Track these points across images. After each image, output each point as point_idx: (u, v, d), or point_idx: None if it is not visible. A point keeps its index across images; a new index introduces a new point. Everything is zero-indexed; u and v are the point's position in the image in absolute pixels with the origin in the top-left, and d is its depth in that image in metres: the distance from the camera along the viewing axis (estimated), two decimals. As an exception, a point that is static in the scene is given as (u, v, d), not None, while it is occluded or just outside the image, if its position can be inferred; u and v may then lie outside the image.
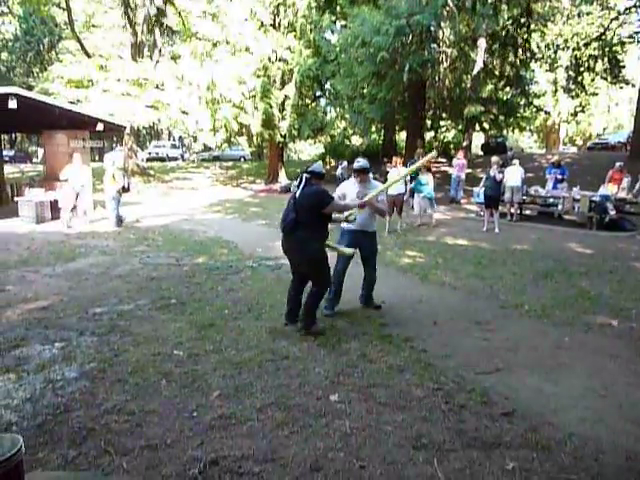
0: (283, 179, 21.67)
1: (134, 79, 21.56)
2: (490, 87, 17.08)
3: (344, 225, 4.96)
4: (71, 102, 19.14)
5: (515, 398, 3.32)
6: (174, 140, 42.80)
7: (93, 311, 5.08)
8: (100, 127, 13.35)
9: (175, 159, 35.85)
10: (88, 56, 23.26)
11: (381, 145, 30.21)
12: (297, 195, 4.31)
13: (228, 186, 22.61)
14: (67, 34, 28.17)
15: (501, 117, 18.22)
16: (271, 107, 18.49)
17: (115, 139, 37.21)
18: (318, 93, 21.61)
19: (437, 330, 4.64)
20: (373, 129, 27.63)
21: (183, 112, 19.55)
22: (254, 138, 19.90)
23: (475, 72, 16.48)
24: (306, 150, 43.68)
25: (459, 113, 17.31)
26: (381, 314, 5.05)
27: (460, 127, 26.69)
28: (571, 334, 4.54)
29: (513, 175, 11.34)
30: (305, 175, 4.34)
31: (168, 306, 5.25)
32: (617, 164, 11.88)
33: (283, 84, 19.29)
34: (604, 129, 44.07)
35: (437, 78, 16.48)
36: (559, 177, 12.28)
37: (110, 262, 7.43)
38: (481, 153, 31.01)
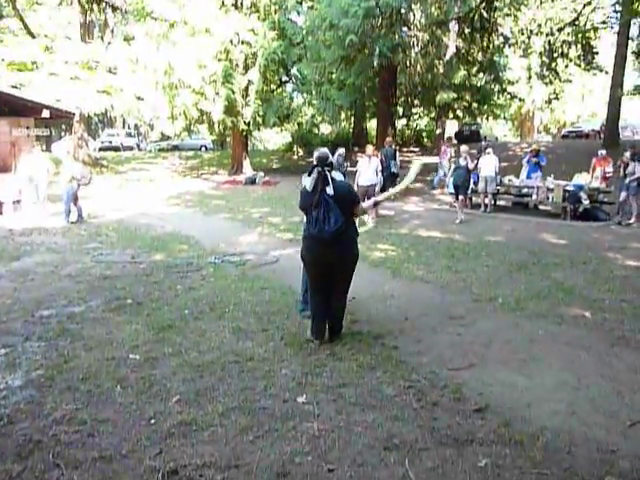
0: (248, 170, 21.50)
1: (83, 62, 20.91)
2: (463, 73, 17.35)
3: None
4: (13, 86, 18.43)
5: (488, 393, 3.41)
6: (129, 128, 41.85)
7: (40, 314, 4.94)
8: (46, 114, 12.93)
9: (130, 149, 35.12)
10: (32, 36, 22.42)
11: (351, 133, 30.34)
12: (331, 193, 3.95)
13: (188, 177, 22.30)
14: (8, 12, 27.06)
15: (474, 104, 18.56)
16: (234, 93, 18.28)
17: (64, 127, 36.10)
18: (284, 78, 21.48)
19: (409, 326, 4.70)
20: (342, 116, 27.64)
21: (138, 98, 19.10)
22: (216, 126, 19.64)
23: (447, 57, 16.69)
24: (272, 139, 43.40)
25: (431, 100, 17.54)
26: (351, 310, 5.07)
27: (433, 115, 27.05)
28: (545, 326, 4.68)
29: (487, 165, 11.58)
30: (326, 168, 4.04)
31: (123, 307, 5.17)
32: (600, 152, 12.18)
33: (246, 68, 19.09)
34: (578, 117, 45.47)
35: (408, 63, 16.64)
36: (534, 160, 12.51)
37: (59, 260, 7.24)
38: (455, 141, 31.54)
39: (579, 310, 5.12)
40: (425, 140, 31.20)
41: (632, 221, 10.16)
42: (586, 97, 41.16)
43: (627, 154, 10.36)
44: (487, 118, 27.76)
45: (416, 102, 19.84)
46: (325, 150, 4.22)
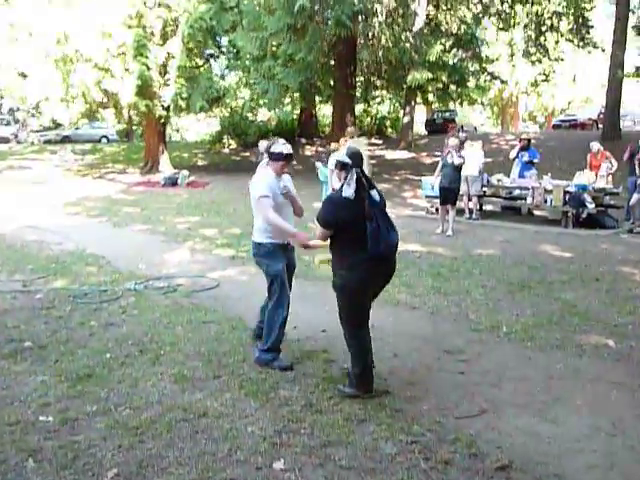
0: (166, 167, 21.20)
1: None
2: (437, 49, 17.93)
3: (270, 240, 4.72)
4: None
5: (509, 446, 3.48)
6: (2, 114, 40.47)
7: None
8: None
9: (5, 141, 33.93)
10: None
11: (297, 121, 30.56)
12: (377, 198, 4.11)
13: (88, 177, 21.75)
14: None
15: (452, 86, 19.19)
16: (149, 69, 18.06)
17: None
18: (213, 51, 21.42)
19: (399, 364, 4.75)
20: (287, 100, 27.84)
21: (21, 74, 18.49)
22: (125, 111, 19.31)
23: (417, 28, 17.20)
24: (192, 127, 43.07)
25: (399, 80, 17.98)
26: (324, 347, 5.09)
27: (397, 99, 27.68)
28: (563, 360, 4.85)
29: (470, 161, 11.90)
30: (360, 170, 4.07)
31: (21, 352, 4.96)
32: (594, 145, 12.76)
33: (165, 38, 18.93)
34: (569, 103, 47.95)
35: (371, 35, 17.00)
36: (525, 158, 12.95)
37: None
38: (424, 132, 32.46)
39: (600, 338, 5.33)
40: (389, 130, 31.87)
41: (645, 228, 10.70)
42: (578, 79, 43.35)
43: None
44: (461, 103, 28.67)
45: (380, 83, 20.27)
46: (356, 147, 4.33)
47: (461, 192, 12.09)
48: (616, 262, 8.54)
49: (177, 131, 45.53)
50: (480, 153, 12.25)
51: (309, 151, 27.75)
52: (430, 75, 16.64)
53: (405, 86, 17.41)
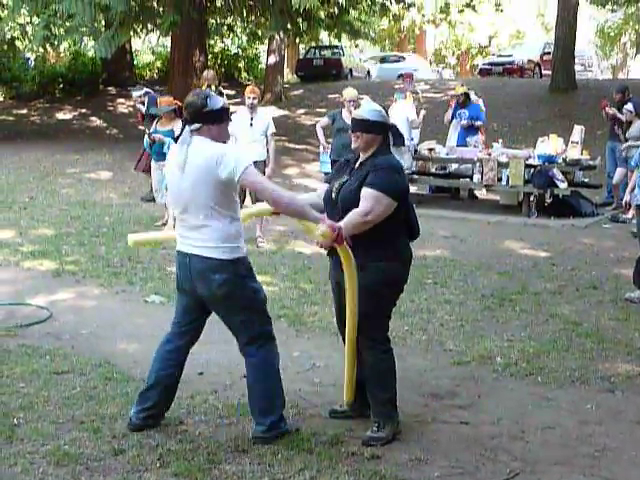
0: None
1: None
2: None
3: (244, 251, 4.70)
4: None
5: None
6: None
7: None
8: None
9: None
10: None
11: (102, 61, 29.64)
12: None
13: None
14: None
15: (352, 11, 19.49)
16: None
17: None
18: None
19: (374, 416, 4.97)
20: (85, 30, 26.78)
21: None
22: None
23: None
24: None
25: (276, 3, 18.10)
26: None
27: (254, 29, 27.72)
28: (592, 398, 5.34)
29: (396, 121, 12.38)
30: None
31: None
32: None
33: None
34: (490, 38, 50.77)
35: None
36: (465, 122, 13.61)
37: None
38: (295, 79, 33.03)
39: (629, 366, 5.94)
40: (244, 75, 31.78)
41: (630, 215, 11.66)
42: (505, 4, 45.79)
43: (629, 107, 11.86)
44: (338, 36, 29.14)
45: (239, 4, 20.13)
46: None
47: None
48: (609, 263, 9.41)
49: None
50: (410, 108, 12.64)
51: (123, 106, 27.17)
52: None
53: (287, 9, 17.34)
